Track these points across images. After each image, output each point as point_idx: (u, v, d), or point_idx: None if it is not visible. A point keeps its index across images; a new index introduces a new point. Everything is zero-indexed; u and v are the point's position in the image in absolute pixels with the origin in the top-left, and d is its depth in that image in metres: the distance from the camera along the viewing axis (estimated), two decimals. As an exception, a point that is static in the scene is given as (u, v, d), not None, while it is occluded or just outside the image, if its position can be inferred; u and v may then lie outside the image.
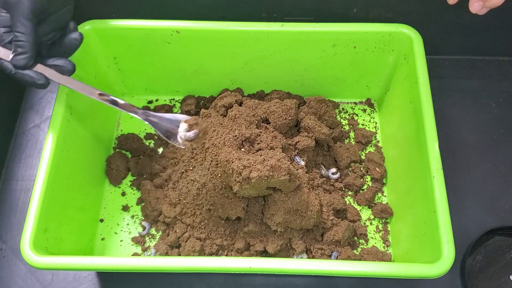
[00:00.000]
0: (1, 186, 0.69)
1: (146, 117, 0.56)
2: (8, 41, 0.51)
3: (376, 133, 0.73)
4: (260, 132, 0.63)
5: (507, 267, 0.64)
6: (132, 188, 0.69)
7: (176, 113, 0.75)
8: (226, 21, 0.63)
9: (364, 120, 0.74)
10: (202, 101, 0.75)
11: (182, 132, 0.55)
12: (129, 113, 0.56)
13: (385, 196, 0.68)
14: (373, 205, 0.67)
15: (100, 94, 0.54)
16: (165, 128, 0.55)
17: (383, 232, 0.65)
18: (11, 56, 0.50)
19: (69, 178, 0.58)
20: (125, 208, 0.67)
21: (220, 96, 0.70)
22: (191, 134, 0.54)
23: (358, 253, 0.62)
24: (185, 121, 0.55)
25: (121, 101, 0.55)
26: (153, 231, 0.65)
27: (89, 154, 0.65)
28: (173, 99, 0.76)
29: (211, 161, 0.62)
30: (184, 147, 0.56)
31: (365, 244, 0.65)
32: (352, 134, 0.73)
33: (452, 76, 0.78)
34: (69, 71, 0.54)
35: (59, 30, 0.54)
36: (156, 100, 0.76)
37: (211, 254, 0.61)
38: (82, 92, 0.54)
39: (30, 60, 0.50)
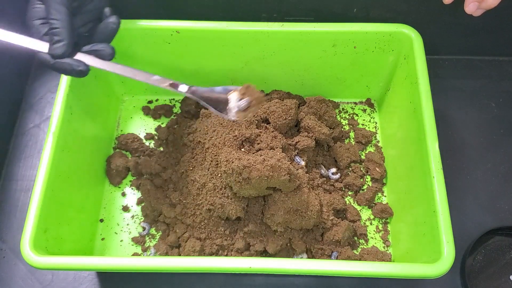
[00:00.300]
0: (1, 186, 0.69)
1: (193, 92, 0.54)
2: (45, 33, 0.50)
3: (376, 133, 0.73)
4: (260, 132, 0.63)
5: (507, 267, 0.64)
6: (132, 188, 0.69)
7: (177, 113, 0.75)
8: (226, 21, 0.63)
9: (364, 120, 0.74)
10: (202, 101, 0.75)
11: (234, 102, 0.53)
12: (173, 91, 0.54)
13: (385, 196, 0.68)
14: (373, 205, 0.67)
15: (145, 75, 0.53)
16: (215, 101, 0.53)
17: (383, 232, 0.65)
18: (48, 47, 0.49)
19: (69, 178, 0.58)
20: (125, 208, 0.67)
21: (220, 96, 0.70)
22: (243, 102, 0.52)
23: (358, 253, 0.62)
24: (235, 91, 0.53)
25: (167, 80, 0.53)
26: (153, 231, 0.65)
27: (89, 154, 0.65)
28: (173, 99, 0.76)
29: (211, 161, 0.62)
30: (238, 119, 0.53)
31: (365, 244, 0.65)
32: (352, 134, 0.73)
33: (452, 76, 0.78)
34: (110, 55, 0.53)
35: (95, 20, 0.54)
36: (156, 100, 0.76)
37: (211, 254, 0.61)
38: (126, 75, 0.53)
39: (68, 48, 0.49)
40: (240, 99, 0.52)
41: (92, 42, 0.53)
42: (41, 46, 0.50)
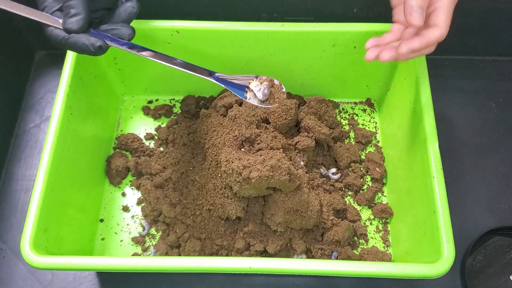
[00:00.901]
0: (1, 186, 0.69)
1: (217, 78, 0.53)
2: (57, 8, 0.48)
3: (376, 133, 0.73)
4: (260, 132, 0.63)
5: (507, 267, 0.64)
6: (132, 188, 0.69)
7: (177, 112, 0.75)
8: (226, 21, 0.63)
9: (364, 120, 0.74)
10: (202, 101, 0.75)
11: (257, 87, 0.53)
12: (201, 76, 0.53)
13: (385, 196, 0.68)
14: (373, 205, 0.67)
15: (168, 59, 0.52)
16: (237, 87, 0.53)
17: (383, 232, 0.65)
18: (63, 20, 0.47)
19: (69, 178, 0.58)
20: (125, 208, 0.67)
21: (220, 96, 0.70)
22: (262, 92, 0.53)
23: (358, 253, 0.62)
24: (257, 78, 0.54)
25: (191, 65, 0.53)
26: (153, 231, 0.65)
27: (89, 154, 0.65)
28: (173, 99, 0.76)
29: (211, 161, 0.62)
30: (259, 105, 0.54)
31: (365, 244, 0.65)
32: (352, 134, 0.73)
33: (452, 76, 0.78)
34: (129, 35, 0.50)
35: (107, 10, 0.52)
36: (156, 100, 0.76)
37: (211, 254, 0.61)
38: (149, 58, 0.51)
39: (85, 22, 0.47)
40: (261, 83, 0.53)
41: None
42: (53, 21, 0.48)
